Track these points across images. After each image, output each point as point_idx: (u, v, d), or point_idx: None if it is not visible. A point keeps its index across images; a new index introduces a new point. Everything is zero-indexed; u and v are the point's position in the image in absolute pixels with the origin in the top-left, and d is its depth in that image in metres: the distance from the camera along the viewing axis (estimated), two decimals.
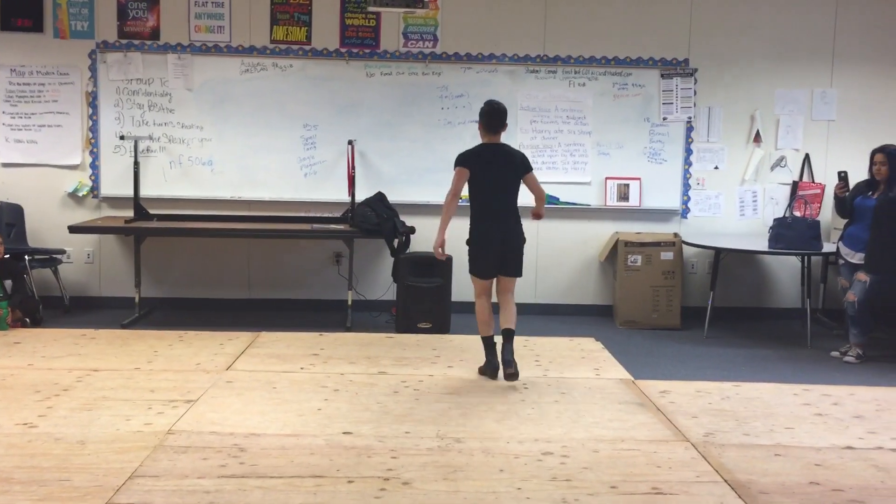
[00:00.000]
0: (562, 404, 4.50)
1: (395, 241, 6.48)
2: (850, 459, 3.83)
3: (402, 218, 6.61)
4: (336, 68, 6.88)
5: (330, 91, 6.89)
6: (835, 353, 5.96)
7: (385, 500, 3.26)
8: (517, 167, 4.94)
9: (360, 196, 6.68)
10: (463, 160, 4.92)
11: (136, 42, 6.81)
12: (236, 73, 6.85)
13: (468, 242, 4.94)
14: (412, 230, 6.63)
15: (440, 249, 4.92)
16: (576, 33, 6.93)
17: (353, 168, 6.66)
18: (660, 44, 6.97)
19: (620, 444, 3.94)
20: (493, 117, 4.91)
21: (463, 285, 6.22)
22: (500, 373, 4.84)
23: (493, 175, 4.88)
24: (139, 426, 4.00)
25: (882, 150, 5.72)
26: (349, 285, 6.66)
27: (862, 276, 5.70)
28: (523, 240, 4.98)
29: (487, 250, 4.88)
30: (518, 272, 4.97)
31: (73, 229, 6.31)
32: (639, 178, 7.01)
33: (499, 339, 4.94)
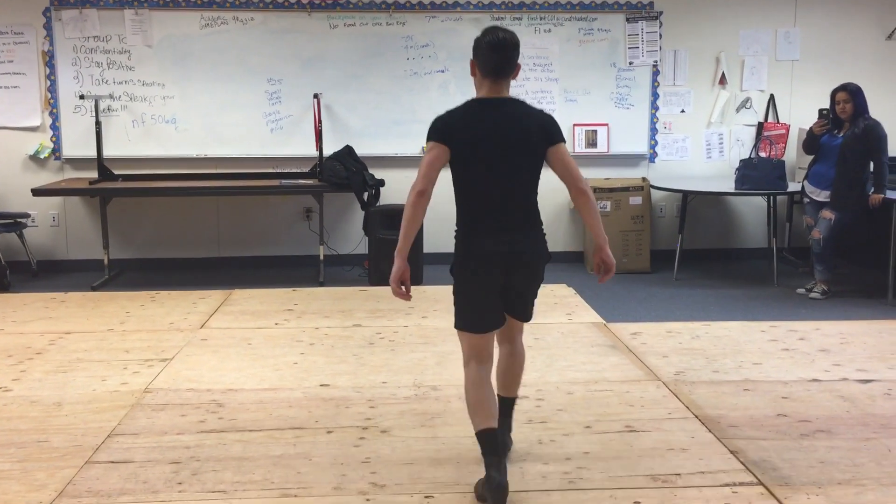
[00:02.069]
0: (535, 349, 4.56)
1: (365, 195, 6.46)
2: (817, 391, 3.94)
3: (370, 171, 6.59)
4: (298, 20, 6.77)
5: (293, 44, 6.79)
6: (801, 290, 6.08)
7: (364, 448, 3.30)
8: (538, 137, 2.89)
9: (328, 150, 6.63)
10: (440, 129, 2.88)
11: None
12: (196, 28, 6.71)
13: (452, 270, 2.98)
14: (381, 183, 6.61)
15: (399, 285, 2.93)
16: None
17: (320, 122, 6.59)
18: None
19: (594, 385, 4.01)
20: (497, 50, 2.90)
21: (434, 235, 6.24)
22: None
23: (495, 152, 2.86)
24: (115, 386, 4.00)
25: (844, 88, 5.77)
26: (320, 240, 6.65)
27: (827, 214, 5.79)
28: (546, 258, 3.00)
29: (482, 284, 2.91)
30: (527, 315, 3.09)
31: (37, 192, 6.21)
32: (606, 124, 7.02)
33: None
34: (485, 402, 2.93)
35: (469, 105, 2.95)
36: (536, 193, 2.97)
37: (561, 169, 2.93)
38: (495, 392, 3.04)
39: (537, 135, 2.90)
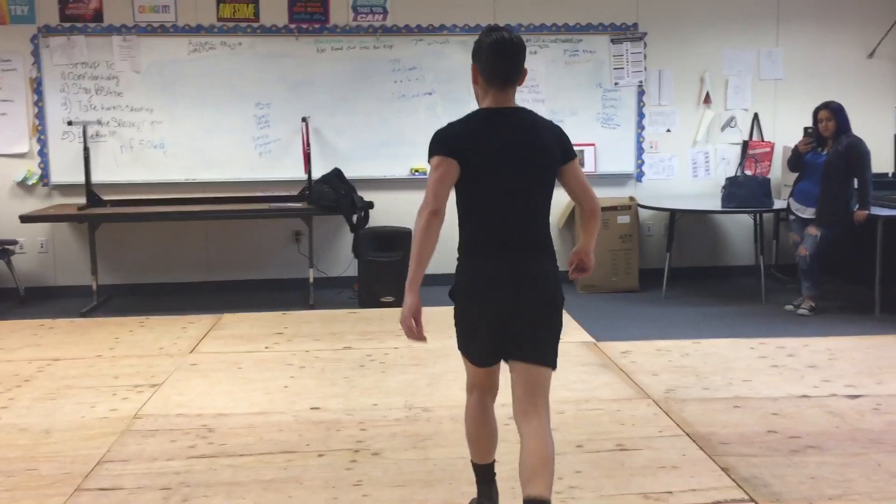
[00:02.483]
0: None
1: (354, 217, 6.48)
2: (806, 407, 3.95)
3: (359, 193, 6.60)
4: (286, 45, 6.81)
5: (281, 68, 6.82)
6: (789, 307, 6.11)
7: (356, 471, 3.29)
8: (551, 151, 2.63)
9: (317, 173, 6.64)
10: (445, 142, 2.58)
11: (80, 25, 6.66)
12: (184, 54, 6.74)
13: (451, 294, 2.68)
14: (370, 205, 6.63)
15: (412, 322, 2.55)
16: (525, 1, 6.93)
17: (309, 145, 6.62)
18: (609, 9, 7.00)
19: (585, 404, 4.02)
20: (502, 56, 2.59)
21: None
22: None
23: (506, 168, 2.57)
24: (105, 412, 3.98)
25: (825, 106, 5.84)
26: (310, 263, 6.65)
27: (813, 231, 5.84)
28: (560, 288, 2.69)
29: (486, 313, 2.59)
30: (546, 354, 2.64)
31: (25, 218, 6.19)
32: (593, 144, 7.07)
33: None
34: (484, 438, 2.79)
35: (474, 116, 2.63)
36: (549, 212, 2.67)
37: (577, 186, 2.67)
38: (524, 491, 2.48)
39: (554, 149, 2.62)
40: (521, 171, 2.58)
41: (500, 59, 2.58)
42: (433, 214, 2.52)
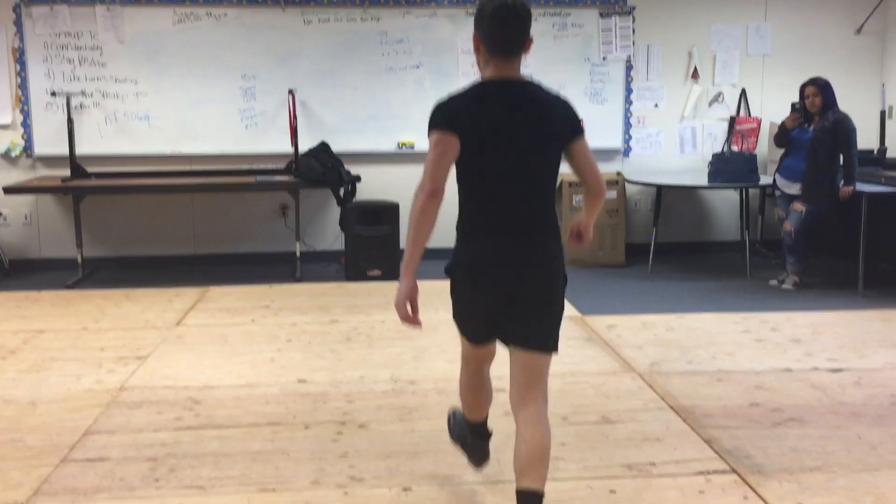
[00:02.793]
0: None
1: (341, 191, 6.46)
2: (788, 381, 4.00)
3: (346, 167, 6.58)
4: (272, 16, 6.74)
5: (267, 40, 6.76)
6: (773, 282, 6.16)
7: (342, 443, 3.31)
8: (559, 126, 2.47)
9: (304, 146, 6.61)
10: (446, 116, 2.41)
11: None
12: (169, 24, 6.66)
13: (448, 271, 2.56)
14: (357, 179, 6.61)
15: (407, 306, 2.41)
16: None
17: (295, 118, 6.58)
18: None
19: (570, 377, 4.05)
20: (507, 23, 2.43)
21: None
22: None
23: (506, 145, 2.41)
24: (90, 384, 3.97)
25: (812, 82, 5.85)
26: (297, 236, 6.63)
27: (798, 206, 5.87)
28: (563, 278, 2.54)
29: (484, 293, 2.48)
30: (549, 342, 2.51)
31: (8, 190, 6.14)
32: (581, 119, 7.03)
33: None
34: (477, 402, 2.74)
35: (476, 89, 2.46)
36: (555, 191, 2.53)
37: (584, 165, 2.50)
38: (518, 483, 2.42)
39: (561, 124, 2.45)
40: (525, 148, 2.41)
41: (503, 26, 2.41)
42: (431, 196, 2.34)
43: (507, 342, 2.52)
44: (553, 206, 2.54)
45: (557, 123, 2.45)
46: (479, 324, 2.55)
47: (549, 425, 2.47)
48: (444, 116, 2.40)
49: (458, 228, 2.52)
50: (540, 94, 2.48)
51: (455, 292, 2.56)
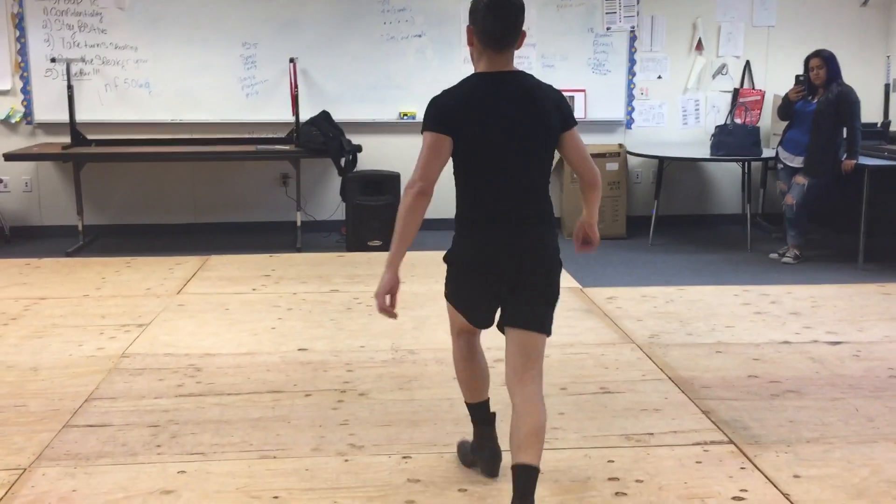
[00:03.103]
0: None
1: (342, 160, 6.44)
2: (787, 353, 4.01)
3: (347, 136, 6.55)
4: None
5: (268, 7, 6.70)
6: (773, 255, 6.16)
7: (342, 411, 3.33)
8: (551, 119, 2.49)
9: (305, 115, 6.57)
10: (441, 116, 2.45)
11: None
12: None
13: (447, 261, 2.63)
14: (359, 148, 6.59)
15: (385, 299, 2.48)
16: None
17: (296, 87, 6.53)
18: None
19: (569, 348, 4.06)
20: (500, 18, 2.44)
21: None
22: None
23: (500, 138, 2.46)
24: (92, 351, 3.99)
25: (817, 54, 5.81)
26: (297, 206, 6.62)
27: (800, 179, 5.86)
28: (558, 263, 2.61)
29: (486, 282, 2.55)
30: (546, 324, 2.57)
31: (9, 157, 6.12)
32: (583, 90, 7.02)
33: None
34: (475, 378, 2.78)
35: (470, 82, 2.51)
36: (549, 180, 2.59)
37: (576, 156, 2.55)
38: (514, 458, 2.45)
39: (554, 116, 2.49)
40: (518, 140, 2.47)
41: (496, 20, 2.43)
42: (420, 195, 2.40)
43: (504, 325, 2.58)
44: (547, 194, 2.59)
45: (550, 116, 2.49)
46: (475, 309, 2.63)
47: (545, 403, 2.53)
48: (438, 117, 2.45)
49: (456, 220, 2.57)
50: (532, 86, 2.51)
51: (453, 280, 2.64)
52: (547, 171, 2.57)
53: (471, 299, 2.63)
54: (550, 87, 2.57)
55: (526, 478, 2.41)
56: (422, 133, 2.46)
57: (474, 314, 2.65)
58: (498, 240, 2.49)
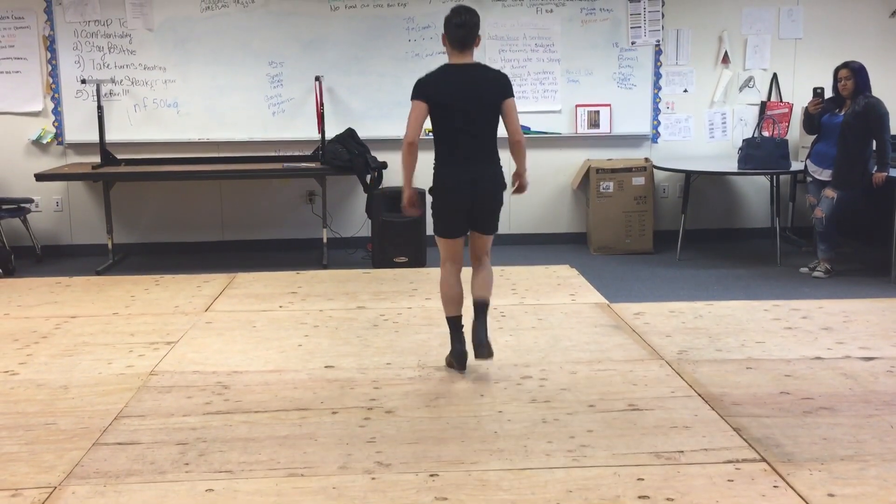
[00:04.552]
0: (539, 330, 4.58)
1: (368, 177, 6.46)
2: (819, 369, 3.95)
3: (373, 153, 6.58)
4: (300, 3, 6.74)
5: (294, 26, 6.77)
6: (804, 269, 6.08)
7: (369, 429, 3.32)
8: (493, 93, 3.75)
9: (330, 133, 6.62)
10: (420, 89, 3.73)
11: None
12: (197, 11, 6.69)
13: (430, 191, 3.87)
14: (384, 165, 6.61)
15: (411, 205, 3.86)
16: None
17: (322, 105, 6.58)
18: None
19: (597, 365, 4.03)
20: (461, 26, 3.71)
21: None
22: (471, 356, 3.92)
23: (461, 105, 3.71)
24: (121, 369, 4.02)
25: (846, 65, 5.75)
26: (323, 223, 6.65)
27: (829, 193, 5.79)
28: (502, 186, 3.85)
29: (453, 202, 3.80)
30: (491, 228, 3.90)
31: (40, 177, 6.22)
32: (609, 105, 7.00)
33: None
34: (455, 296, 3.90)
35: (442, 69, 3.82)
36: (496, 135, 3.80)
37: (507, 118, 3.76)
38: (472, 297, 3.89)
39: (495, 90, 3.76)
40: (471, 106, 3.73)
41: (458, 28, 3.73)
42: (410, 145, 3.74)
43: (469, 229, 3.88)
44: (495, 143, 3.81)
45: (493, 90, 3.77)
46: (451, 221, 3.84)
47: (491, 270, 3.96)
48: (418, 89, 3.76)
49: (434, 160, 3.85)
50: (483, 72, 3.83)
51: (435, 205, 3.86)
52: (493, 127, 3.80)
53: (449, 215, 3.83)
54: (498, 72, 3.87)
55: (480, 306, 3.87)
56: (411, 101, 3.74)
57: (452, 226, 3.84)
58: (461, 172, 3.77)
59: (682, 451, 3.09)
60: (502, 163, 3.88)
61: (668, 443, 3.16)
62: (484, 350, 3.81)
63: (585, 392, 3.68)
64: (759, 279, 5.94)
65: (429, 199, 3.95)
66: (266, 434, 3.28)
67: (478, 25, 3.77)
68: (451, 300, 3.91)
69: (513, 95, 3.78)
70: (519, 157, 3.84)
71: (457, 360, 3.93)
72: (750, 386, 3.74)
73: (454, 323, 3.93)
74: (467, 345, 3.90)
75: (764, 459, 3.02)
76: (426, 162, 4.03)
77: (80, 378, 3.91)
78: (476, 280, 3.92)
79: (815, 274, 5.96)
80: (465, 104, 3.73)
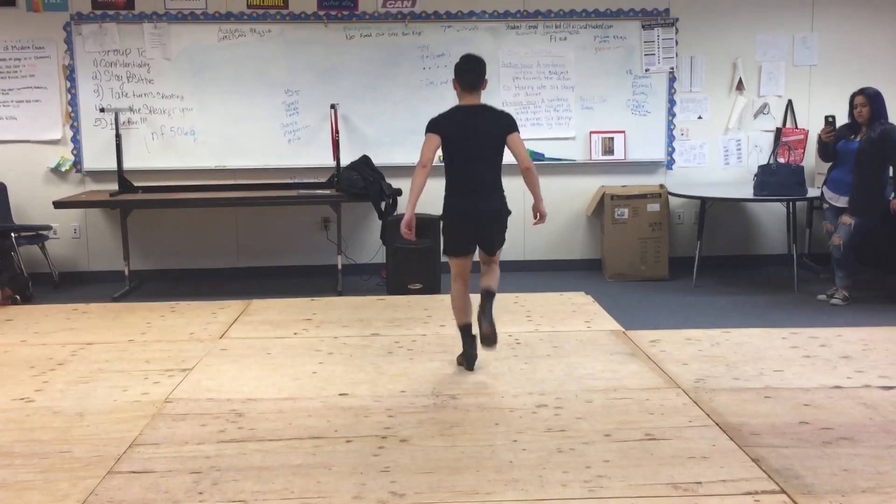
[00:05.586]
0: (554, 357, 4.55)
1: (382, 204, 6.48)
2: (839, 398, 3.90)
3: (387, 180, 6.61)
4: (315, 32, 6.82)
5: (310, 55, 6.83)
6: (821, 297, 6.03)
7: (384, 458, 3.31)
8: (499, 129, 4.18)
9: (345, 160, 6.66)
10: (433, 125, 4.20)
11: (111, 12, 6.71)
12: (214, 41, 6.77)
13: (441, 218, 4.33)
14: (398, 192, 6.63)
15: (407, 229, 4.15)
16: None
17: (337, 132, 6.62)
18: None
19: (613, 393, 4.00)
20: (469, 72, 4.20)
21: None
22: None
23: (470, 141, 4.14)
24: (136, 396, 4.03)
25: (861, 92, 5.74)
26: (338, 250, 6.67)
27: (846, 220, 5.75)
28: (506, 212, 4.31)
29: (460, 227, 4.25)
30: (495, 249, 4.36)
31: (58, 204, 6.28)
32: (623, 131, 7.01)
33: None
34: (465, 306, 4.33)
35: (453, 109, 4.28)
36: (500, 168, 4.25)
37: (514, 149, 4.16)
38: (480, 286, 4.28)
39: (500, 127, 4.20)
40: (479, 141, 4.17)
41: (467, 74, 4.22)
42: (422, 167, 4.13)
43: (476, 249, 4.33)
44: (499, 176, 4.25)
45: (499, 127, 4.21)
46: (459, 243, 4.30)
47: (497, 266, 4.38)
48: (433, 126, 4.21)
49: (445, 191, 4.28)
50: (490, 111, 4.26)
51: (445, 229, 4.35)
52: (498, 161, 4.24)
53: (457, 240, 4.31)
54: (503, 111, 4.32)
55: (487, 294, 4.25)
56: (425, 134, 4.19)
57: (460, 248, 4.30)
58: (468, 203, 4.22)
59: (699, 483, 3.05)
60: (518, 191, 4.26)
61: (685, 473, 3.13)
62: (489, 339, 4.17)
63: (601, 421, 3.65)
64: (776, 306, 5.89)
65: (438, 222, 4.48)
66: (280, 463, 3.27)
67: (484, 71, 4.25)
68: (461, 309, 4.34)
69: (517, 130, 4.21)
70: (532, 184, 4.23)
71: (466, 360, 4.38)
72: (768, 415, 3.70)
73: (465, 330, 4.36)
74: (477, 348, 4.35)
75: (784, 491, 2.98)
76: (440, 191, 4.22)
77: (96, 405, 3.91)
78: (484, 275, 4.37)
79: (833, 301, 5.91)
80: (474, 139, 4.17)
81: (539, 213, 4.32)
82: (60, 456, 3.35)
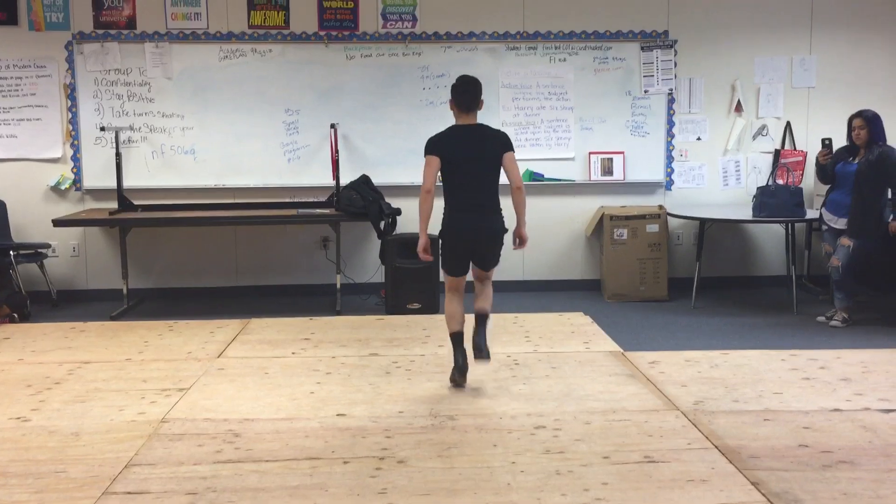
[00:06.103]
0: (553, 378, 4.54)
1: (382, 224, 6.49)
2: (839, 421, 3.88)
3: (387, 200, 6.61)
4: (316, 52, 6.85)
5: (310, 75, 6.86)
6: (821, 318, 6.02)
7: (381, 479, 3.28)
8: (495, 148, 4.27)
9: (345, 179, 6.67)
10: (432, 146, 4.27)
11: (113, 32, 6.75)
12: (215, 60, 6.81)
13: (439, 235, 4.39)
14: (398, 212, 6.64)
15: (423, 252, 4.32)
16: (555, 8, 6.91)
17: (337, 152, 6.64)
18: (639, 16, 6.96)
19: (612, 415, 3.98)
20: (466, 94, 4.30)
21: None
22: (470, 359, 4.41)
23: (467, 161, 4.24)
24: (133, 416, 4.01)
25: (860, 114, 5.76)
26: (337, 269, 6.67)
27: (845, 241, 5.75)
28: (503, 231, 4.36)
29: (457, 246, 4.34)
30: (491, 265, 4.42)
31: (58, 223, 6.28)
32: (622, 152, 7.02)
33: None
34: (456, 314, 4.37)
35: (451, 129, 4.37)
36: (497, 186, 4.31)
37: (508, 168, 4.27)
38: (475, 309, 4.39)
39: (496, 146, 4.29)
40: (476, 159, 4.27)
41: (463, 95, 4.32)
42: (428, 192, 4.22)
43: (473, 265, 4.40)
44: (496, 194, 4.32)
45: (495, 146, 4.29)
46: (456, 262, 4.39)
47: (490, 286, 4.46)
48: (431, 146, 4.30)
49: (444, 209, 4.34)
50: (486, 131, 4.34)
51: (443, 246, 4.40)
52: (496, 180, 4.29)
53: (453, 258, 4.38)
54: (499, 130, 4.39)
55: (481, 317, 4.37)
56: (424, 156, 4.28)
57: (456, 265, 4.39)
58: (466, 220, 4.30)
59: None
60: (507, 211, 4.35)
61: (684, 497, 3.11)
62: (482, 353, 4.29)
63: (600, 443, 3.63)
64: (775, 328, 5.88)
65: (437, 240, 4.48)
66: (276, 484, 3.25)
67: (480, 92, 4.35)
68: (453, 317, 4.39)
69: (512, 150, 4.31)
70: (519, 204, 4.29)
71: (458, 372, 4.36)
72: (768, 438, 3.68)
73: (456, 339, 4.38)
74: (468, 358, 4.39)
75: None
76: (438, 211, 4.25)
77: (92, 425, 3.89)
78: (478, 296, 4.45)
79: (833, 323, 5.90)
80: (471, 158, 4.26)
81: (520, 238, 4.37)
82: (56, 476, 3.33)
